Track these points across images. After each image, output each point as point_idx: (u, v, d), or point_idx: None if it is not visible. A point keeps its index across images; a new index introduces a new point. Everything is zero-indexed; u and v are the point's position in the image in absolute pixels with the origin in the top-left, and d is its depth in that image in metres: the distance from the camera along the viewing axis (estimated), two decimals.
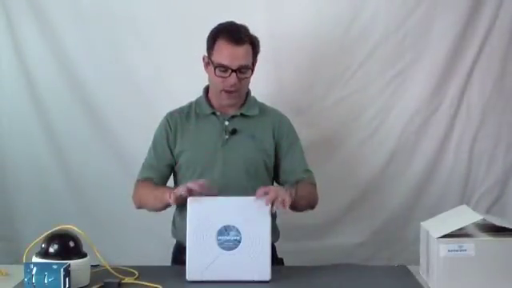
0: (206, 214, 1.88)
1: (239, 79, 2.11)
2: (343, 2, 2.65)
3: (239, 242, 1.86)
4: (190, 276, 1.87)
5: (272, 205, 1.86)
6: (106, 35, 2.66)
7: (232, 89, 2.11)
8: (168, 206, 2.07)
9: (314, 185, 2.23)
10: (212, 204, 1.91)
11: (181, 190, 1.92)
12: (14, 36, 2.66)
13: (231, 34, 2.10)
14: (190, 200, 1.89)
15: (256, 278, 1.87)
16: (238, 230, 1.86)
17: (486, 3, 2.63)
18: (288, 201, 1.88)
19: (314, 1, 2.65)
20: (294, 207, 2.07)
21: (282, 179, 2.22)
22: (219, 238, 1.86)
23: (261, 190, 1.89)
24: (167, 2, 2.64)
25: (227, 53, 2.09)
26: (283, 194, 1.89)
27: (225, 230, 1.87)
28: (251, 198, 1.90)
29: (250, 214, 1.87)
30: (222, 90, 2.13)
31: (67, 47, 2.66)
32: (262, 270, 1.87)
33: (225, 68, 2.09)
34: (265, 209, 1.86)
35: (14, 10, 2.64)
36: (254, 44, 2.15)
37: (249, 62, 2.13)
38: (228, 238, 1.86)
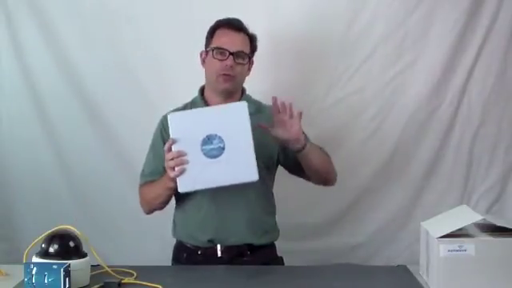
0: (188, 126, 1.93)
1: (236, 64, 2.13)
2: (343, 2, 2.65)
3: (223, 148, 1.92)
4: (181, 188, 1.93)
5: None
6: (107, 35, 2.66)
7: (229, 72, 2.12)
8: (172, 189, 2.04)
9: (329, 157, 2.23)
10: (192, 116, 1.98)
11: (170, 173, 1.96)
12: (14, 36, 2.65)
13: (231, 22, 2.18)
14: (170, 115, 1.95)
15: (245, 180, 1.93)
16: (220, 137, 1.91)
17: (487, 2, 2.63)
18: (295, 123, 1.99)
19: (314, 0, 2.65)
20: (308, 166, 2.11)
21: (293, 163, 2.19)
22: (203, 147, 1.92)
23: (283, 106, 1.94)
24: (167, 2, 2.64)
25: (227, 37, 2.15)
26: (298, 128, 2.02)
27: (208, 139, 1.92)
28: (228, 105, 2.00)
29: (229, 120, 1.93)
30: (218, 75, 2.14)
31: (67, 48, 2.66)
32: (249, 172, 1.92)
33: (223, 50, 2.13)
34: (243, 113, 1.92)
35: (14, 10, 2.64)
36: (251, 38, 2.20)
37: (246, 50, 2.17)
38: (212, 146, 1.92)
